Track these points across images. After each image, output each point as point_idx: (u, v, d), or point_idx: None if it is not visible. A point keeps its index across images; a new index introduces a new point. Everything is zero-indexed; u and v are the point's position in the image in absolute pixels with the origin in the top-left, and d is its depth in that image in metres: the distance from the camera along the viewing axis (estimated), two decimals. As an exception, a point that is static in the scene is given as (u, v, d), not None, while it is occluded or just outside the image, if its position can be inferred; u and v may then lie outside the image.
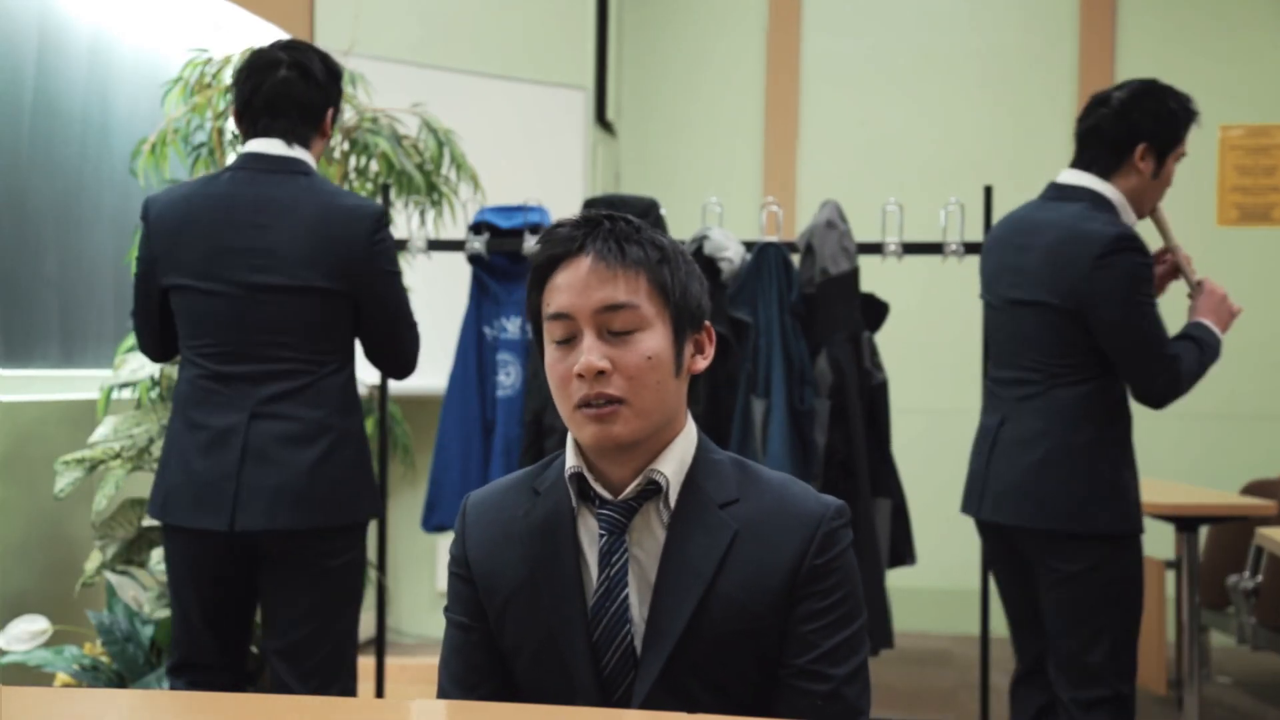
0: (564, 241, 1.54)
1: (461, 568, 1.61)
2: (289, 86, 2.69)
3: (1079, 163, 2.92)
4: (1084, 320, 2.78)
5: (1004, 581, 3.04)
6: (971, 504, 2.99)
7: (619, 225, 1.55)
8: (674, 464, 1.54)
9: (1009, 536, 2.92)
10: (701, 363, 1.59)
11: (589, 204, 3.67)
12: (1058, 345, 2.82)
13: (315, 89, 2.73)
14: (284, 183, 2.68)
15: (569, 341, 1.52)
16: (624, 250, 1.52)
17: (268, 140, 2.71)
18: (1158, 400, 2.83)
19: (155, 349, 2.79)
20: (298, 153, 2.72)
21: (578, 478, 1.56)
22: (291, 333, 2.66)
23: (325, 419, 2.66)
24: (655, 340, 1.52)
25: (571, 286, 1.51)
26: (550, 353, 1.54)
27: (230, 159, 3.92)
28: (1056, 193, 2.93)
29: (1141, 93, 2.91)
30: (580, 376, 1.49)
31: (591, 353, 1.49)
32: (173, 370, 3.18)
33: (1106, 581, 2.80)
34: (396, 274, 2.74)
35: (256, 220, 2.65)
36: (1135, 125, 2.87)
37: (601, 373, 1.49)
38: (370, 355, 2.81)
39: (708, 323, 1.60)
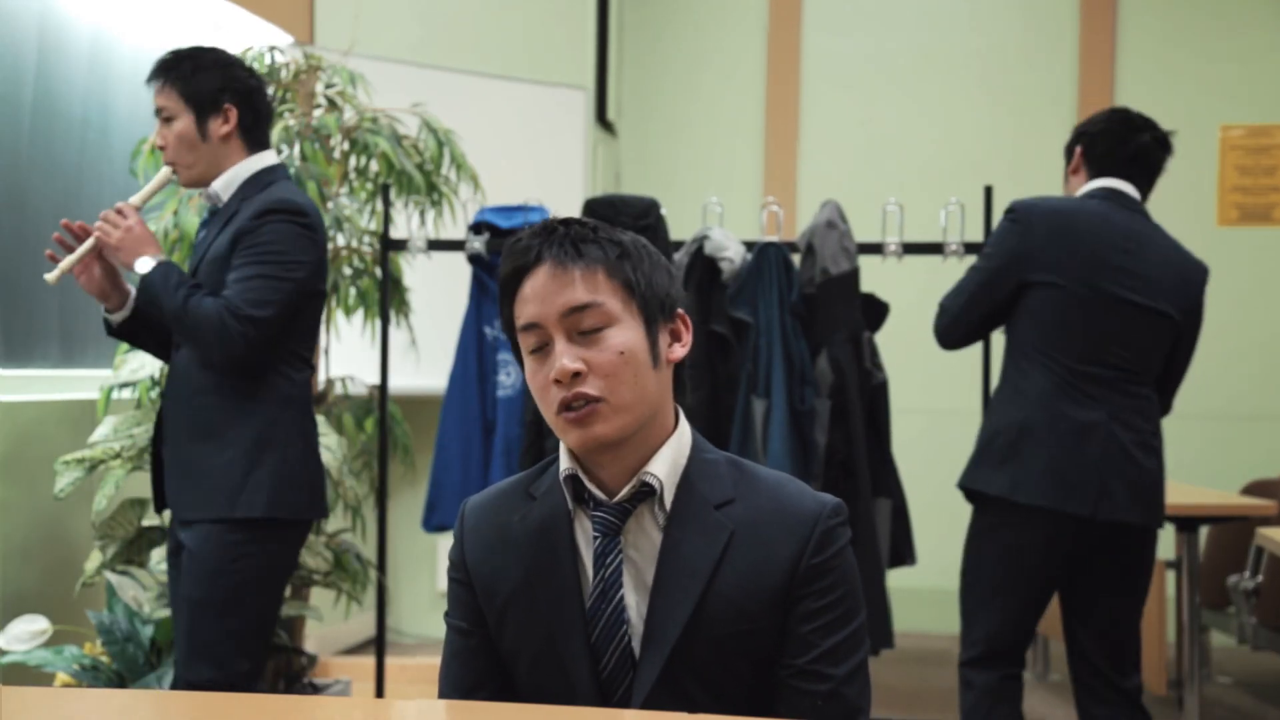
0: (522, 253, 1.54)
1: (460, 573, 1.62)
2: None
3: (1130, 179, 3.04)
4: (1180, 335, 3.01)
5: (1055, 584, 3.03)
6: (1083, 502, 2.88)
7: (574, 229, 1.55)
8: (666, 465, 1.54)
9: (1111, 535, 2.94)
10: (680, 350, 1.59)
11: (589, 204, 3.67)
12: (1159, 353, 2.99)
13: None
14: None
15: (542, 350, 1.53)
16: (580, 250, 1.53)
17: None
18: (1171, 406, 3.16)
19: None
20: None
21: (573, 480, 1.56)
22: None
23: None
24: (626, 334, 1.52)
25: (536, 295, 1.52)
26: (528, 365, 1.55)
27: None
28: (1126, 202, 3.03)
29: (1165, 133, 3.10)
30: (558, 382, 1.50)
31: (564, 356, 1.50)
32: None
33: None
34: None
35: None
36: (1161, 165, 3.10)
37: (577, 374, 1.49)
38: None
39: (681, 310, 1.60)
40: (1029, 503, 2.90)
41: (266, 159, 2.80)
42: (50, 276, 2.74)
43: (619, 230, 1.57)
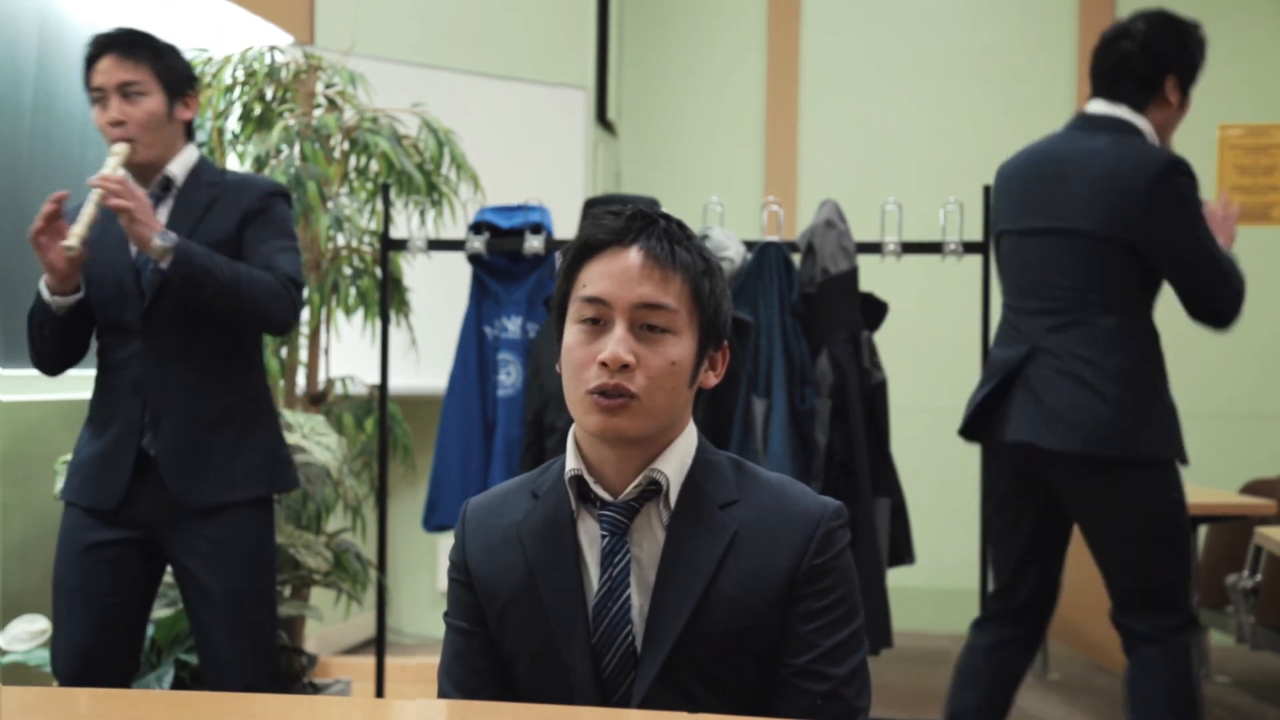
0: (615, 231, 1.54)
1: (461, 573, 1.62)
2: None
3: (1109, 95, 2.93)
4: (1133, 247, 2.82)
5: (1014, 510, 3.01)
6: (991, 431, 2.97)
7: (672, 226, 1.56)
8: (674, 464, 1.55)
9: (1040, 461, 2.89)
10: (713, 379, 1.60)
11: (589, 204, 3.67)
12: (1098, 274, 2.84)
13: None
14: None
15: (596, 325, 1.52)
16: (674, 252, 1.53)
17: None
18: (1225, 318, 2.93)
19: None
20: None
21: (577, 480, 1.56)
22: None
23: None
24: (682, 347, 1.53)
25: (614, 275, 1.52)
26: (572, 334, 1.54)
27: (230, 158, 3.94)
28: (1087, 123, 2.95)
29: (1162, 24, 2.93)
30: (602, 364, 1.50)
31: (620, 344, 1.50)
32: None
33: (1155, 508, 2.85)
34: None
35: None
36: (1164, 57, 2.90)
37: (625, 366, 1.49)
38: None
39: (727, 342, 1.61)
40: (962, 434, 3.08)
41: (193, 148, 2.81)
42: (74, 242, 2.56)
43: (703, 244, 1.58)
